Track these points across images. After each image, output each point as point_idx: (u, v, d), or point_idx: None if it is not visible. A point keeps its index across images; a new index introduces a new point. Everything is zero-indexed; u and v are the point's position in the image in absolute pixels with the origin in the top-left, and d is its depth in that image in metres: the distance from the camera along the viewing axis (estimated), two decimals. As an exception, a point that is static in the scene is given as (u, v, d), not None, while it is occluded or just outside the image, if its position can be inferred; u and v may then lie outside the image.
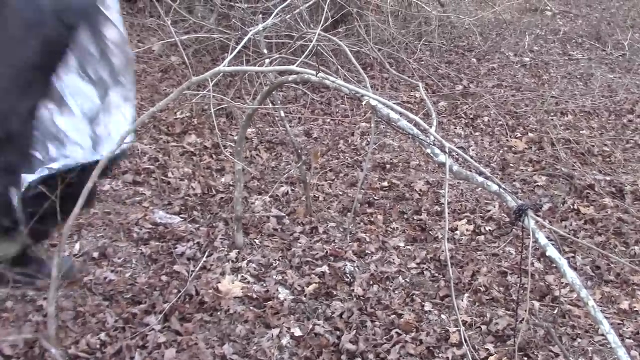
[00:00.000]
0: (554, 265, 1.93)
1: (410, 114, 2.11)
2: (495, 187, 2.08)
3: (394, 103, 2.14)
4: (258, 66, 3.81)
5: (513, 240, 3.34)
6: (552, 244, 1.90)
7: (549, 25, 7.97)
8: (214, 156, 4.02)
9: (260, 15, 4.07)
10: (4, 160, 2.20)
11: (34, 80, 2.17)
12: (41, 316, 2.42)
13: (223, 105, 4.44)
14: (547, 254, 1.91)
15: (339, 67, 4.63)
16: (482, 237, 3.37)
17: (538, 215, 1.96)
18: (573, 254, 3.26)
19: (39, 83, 2.16)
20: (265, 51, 3.78)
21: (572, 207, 3.71)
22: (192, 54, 5.30)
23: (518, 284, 2.91)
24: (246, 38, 2.30)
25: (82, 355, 2.26)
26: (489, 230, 3.44)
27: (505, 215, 3.54)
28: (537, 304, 2.83)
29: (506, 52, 6.69)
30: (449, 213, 3.54)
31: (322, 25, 3.10)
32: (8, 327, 2.33)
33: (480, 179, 2.13)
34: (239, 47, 2.22)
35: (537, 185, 3.95)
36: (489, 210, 3.61)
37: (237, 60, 4.60)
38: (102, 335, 2.37)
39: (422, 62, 5.97)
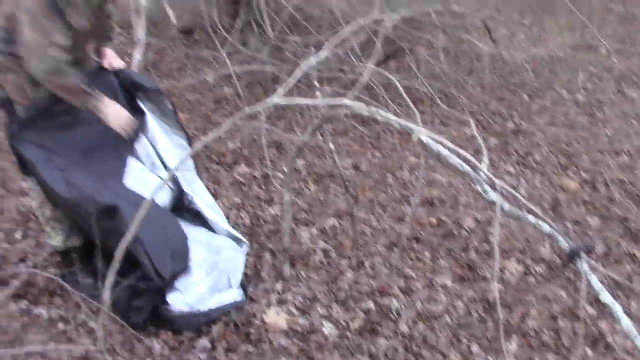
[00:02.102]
0: (608, 310, 1.87)
1: (461, 150, 2.10)
2: (547, 228, 2.05)
3: (444, 138, 2.13)
4: (310, 99, 3.85)
5: (565, 283, 3.25)
6: (606, 289, 1.85)
7: (604, 63, 7.83)
8: (263, 187, 4.06)
9: (313, 49, 4.13)
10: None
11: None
12: (91, 339, 2.47)
13: (273, 137, 4.49)
14: (601, 298, 1.86)
15: (389, 100, 4.63)
16: (532, 279, 3.29)
17: (591, 258, 1.92)
18: (627, 300, 3.15)
19: None
20: (316, 84, 3.82)
21: (626, 250, 3.59)
22: (245, 85, 5.39)
23: (570, 329, 2.83)
24: (300, 72, 2.34)
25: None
26: (540, 271, 3.36)
27: (557, 257, 3.46)
28: (589, 351, 2.74)
29: (559, 89, 6.59)
30: (498, 252, 3.48)
31: (373, 60, 3.12)
32: (60, 348, 2.39)
33: (531, 218, 2.10)
34: (291, 81, 2.26)
35: (590, 226, 3.85)
36: (540, 251, 3.53)
37: (288, 92, 4.66)
38: (149, 361, 2.41)
39: (473, 98, 5.94)
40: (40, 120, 2.56)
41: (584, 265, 1.91)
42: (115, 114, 2.52)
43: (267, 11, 5.52)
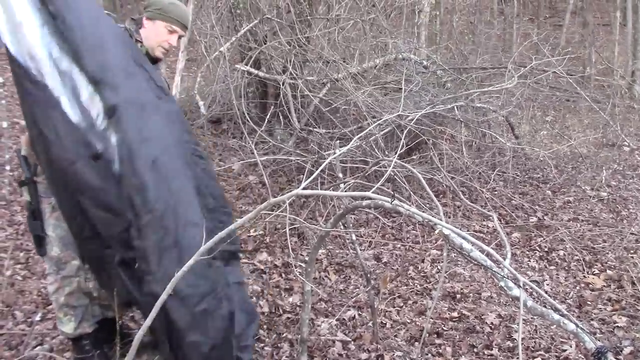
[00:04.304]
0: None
1: (483, 244, 2.09)
2: (572, 326, 2.01)
3: (466, 232, 2.14)
4: (333, 190, 3.90)
5: (592, 384, 3.13)
6: (635, 393, 1.79)
7: (627, 161, 7.86)
8: (283, 275, 4.05)
9: (337, 141, 4.22)
10: None
11: None
12: None
13: (296, 225, 4.52)
14: (630, 402, 1.80)
15: (411, 193, 4.68)
16: (557, 379, 3.19)
17: (618, 359, 1.87)
18: (659, 405, 3.03)
19: None
20: (340, 175, 3.88)
21: (656, 352, 3.48)
22: (269, 174, 5.49)
23: None
24: (325, 163, 2.39)
25: None
26: (566, 371, 3.26)
27: (583, 357, 3.36)
28: None
29: (582, 185, 6.60)
30: (522, 350, 3.38)
31: (397, 153, 3.18)
32: None
33: (556, 316, 2.06)
34: (317, 172, 2.31)
35: (617, 326, 3.75)
36: (565, 350, 3.43)
37: (312, 182, 4.74)
38: None
39: (496, 192, 5.95)
40: None
41: (611, 366, 1.86)
42: None
43: (293, 103, 5.69)
